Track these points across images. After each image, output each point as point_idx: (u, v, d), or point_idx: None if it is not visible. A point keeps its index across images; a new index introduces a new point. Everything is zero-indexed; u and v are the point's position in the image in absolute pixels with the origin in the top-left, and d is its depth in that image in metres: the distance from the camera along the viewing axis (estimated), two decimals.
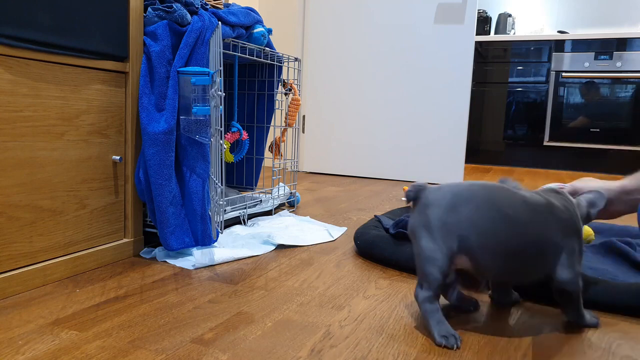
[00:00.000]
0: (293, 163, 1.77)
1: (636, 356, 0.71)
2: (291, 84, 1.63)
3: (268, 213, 1.60)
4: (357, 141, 2.78)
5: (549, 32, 3.85)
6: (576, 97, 3.41)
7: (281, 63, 1.66)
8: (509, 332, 0.79)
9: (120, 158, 1.06)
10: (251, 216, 1.51)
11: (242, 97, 1.73)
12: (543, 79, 3.49)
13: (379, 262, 1.14)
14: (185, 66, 1.12)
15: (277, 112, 2.27)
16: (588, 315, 0.81)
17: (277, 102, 1.73)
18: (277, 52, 1.54)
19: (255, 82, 1.71)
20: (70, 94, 0.94)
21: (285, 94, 1.65)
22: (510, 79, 3.58)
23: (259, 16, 1.41)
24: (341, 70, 2.79)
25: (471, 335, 0.77)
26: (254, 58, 1.46)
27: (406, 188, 1.76)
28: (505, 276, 0.79)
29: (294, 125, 1.64)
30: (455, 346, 0.72)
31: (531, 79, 3.52)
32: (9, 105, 0.83)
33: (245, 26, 1.35)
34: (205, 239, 1.14)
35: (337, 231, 1.40)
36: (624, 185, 0.89)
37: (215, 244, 1.18)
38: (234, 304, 0.87)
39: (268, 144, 2.88)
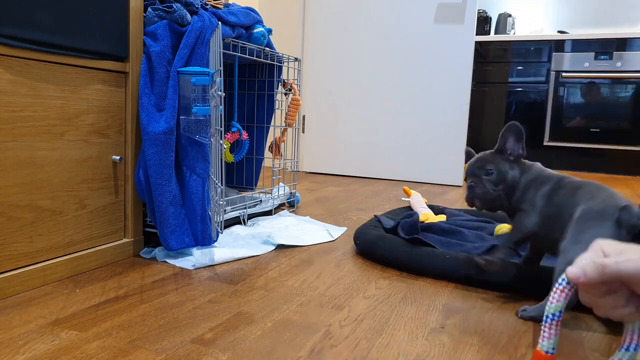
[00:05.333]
0: (293, 163, 1.77)
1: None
2: (291, 84, 1.63)
3: (268, 213, 1.60)
4: (357, 141, 2.78)
5: (549, 32, 3.85)
6: (576, 97, 3.41)
7: (281, 63, 1.66)
8: (509, 332, 0.79)
9: (120, 158, 1.06)
10: (251, 216, 1.51)
11: (242, 97, 1.73)
12: (543, 79, 3.49)
13: (379, 262, 1.14)
14: (185, 66, 1.12)
15: (277, 112, 2.27)
16: None
17: (277, 102, 1.73)
18: (277, 52, 1.54)
19: (255, 82, 1.71)
20: (70, 94, 0.94)
21: (285, 94, 1.65)
22: (510, 79, 3.58)
23: (259, 16, 1.41)
24: (341, 70, 2.79)
25: (471, 335, 0.77)
26: (254, 58, 1.46)
27: (406, 188, 1.76)
28: None
29: (294, 125, 1.64)
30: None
31: (531, 79, 3.52)
32: (9, 105, 0.83)
33: (245, 26, 1.35)
34: (205, 239, 1.14)
35: (337, 231, 1.40)
36: None
37: (215, 244, 1.18)
38: (234, 304, 0.87)
39: (268, 144, 2.88)
